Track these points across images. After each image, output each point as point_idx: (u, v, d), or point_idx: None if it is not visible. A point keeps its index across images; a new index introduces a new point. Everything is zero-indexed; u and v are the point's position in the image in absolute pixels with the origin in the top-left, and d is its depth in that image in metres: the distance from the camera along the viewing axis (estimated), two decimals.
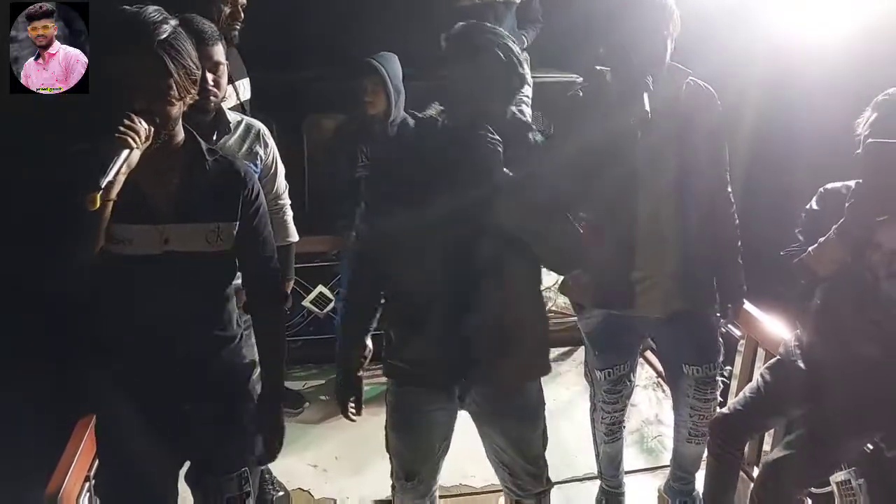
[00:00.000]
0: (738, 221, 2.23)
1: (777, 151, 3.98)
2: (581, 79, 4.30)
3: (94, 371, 1.69)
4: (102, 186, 1.35)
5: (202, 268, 1.62)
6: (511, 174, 1.61)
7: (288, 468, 2.74)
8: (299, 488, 2.74)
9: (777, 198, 3.77)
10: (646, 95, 1.89)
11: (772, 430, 2.50)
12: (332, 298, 3.52)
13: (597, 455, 2.53)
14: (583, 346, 2.51)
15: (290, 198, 2.41)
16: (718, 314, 2.30)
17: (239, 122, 2.20)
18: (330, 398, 3.31)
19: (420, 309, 1.74)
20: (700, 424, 2.32)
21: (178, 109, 1.50)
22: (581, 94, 2.12)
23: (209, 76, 1.94)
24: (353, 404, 1.89)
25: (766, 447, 2.62)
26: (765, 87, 3.79)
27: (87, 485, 1.98)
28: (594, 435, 2.48)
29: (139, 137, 1.40)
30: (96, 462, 1.93)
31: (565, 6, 4.01)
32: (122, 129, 1.37)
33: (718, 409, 2.31)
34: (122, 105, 1.41)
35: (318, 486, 2.78)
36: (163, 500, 1.74)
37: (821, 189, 2.02)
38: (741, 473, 2.36)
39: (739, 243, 2.24)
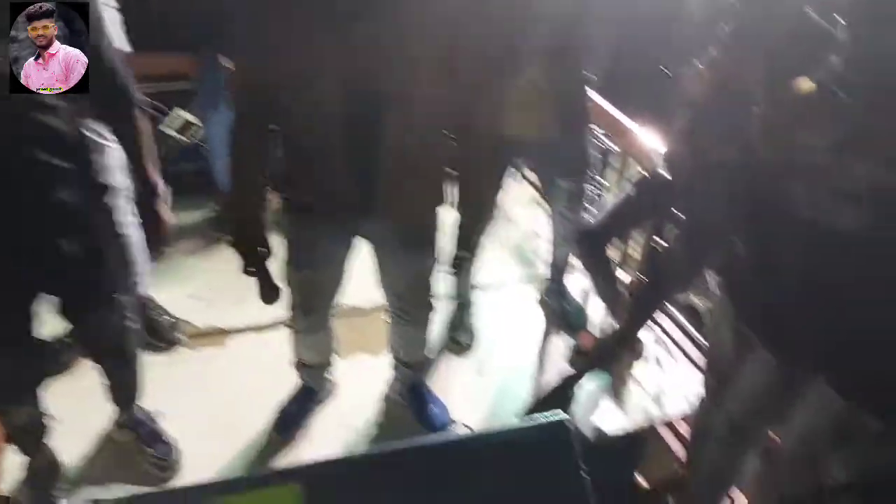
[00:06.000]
0: None
1: None
2: None
3: None
4: None
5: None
6: None
7: (167, 301, 2.68)
8: (183, 319, 2.69)
9: None
10: None
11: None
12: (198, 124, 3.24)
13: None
14: None
15: None
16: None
17: None
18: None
19: (314, 140, 1.63)
20: (569, 230, 2.56)
21: None
22: None
23: None
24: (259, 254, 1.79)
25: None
26: None
27: None
28: None
29: None
30: None
31: None
32: None
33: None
34: None
35: (202, 317, 2.75)
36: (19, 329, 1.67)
37: None
38: None
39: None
